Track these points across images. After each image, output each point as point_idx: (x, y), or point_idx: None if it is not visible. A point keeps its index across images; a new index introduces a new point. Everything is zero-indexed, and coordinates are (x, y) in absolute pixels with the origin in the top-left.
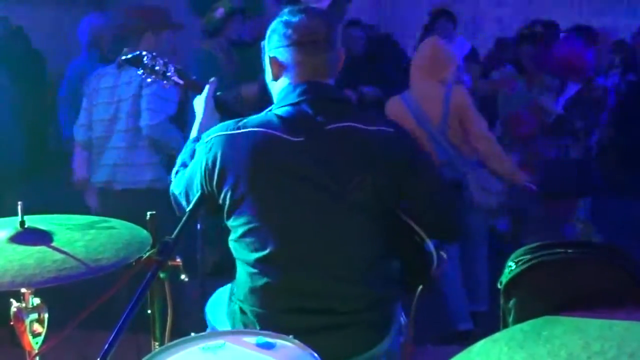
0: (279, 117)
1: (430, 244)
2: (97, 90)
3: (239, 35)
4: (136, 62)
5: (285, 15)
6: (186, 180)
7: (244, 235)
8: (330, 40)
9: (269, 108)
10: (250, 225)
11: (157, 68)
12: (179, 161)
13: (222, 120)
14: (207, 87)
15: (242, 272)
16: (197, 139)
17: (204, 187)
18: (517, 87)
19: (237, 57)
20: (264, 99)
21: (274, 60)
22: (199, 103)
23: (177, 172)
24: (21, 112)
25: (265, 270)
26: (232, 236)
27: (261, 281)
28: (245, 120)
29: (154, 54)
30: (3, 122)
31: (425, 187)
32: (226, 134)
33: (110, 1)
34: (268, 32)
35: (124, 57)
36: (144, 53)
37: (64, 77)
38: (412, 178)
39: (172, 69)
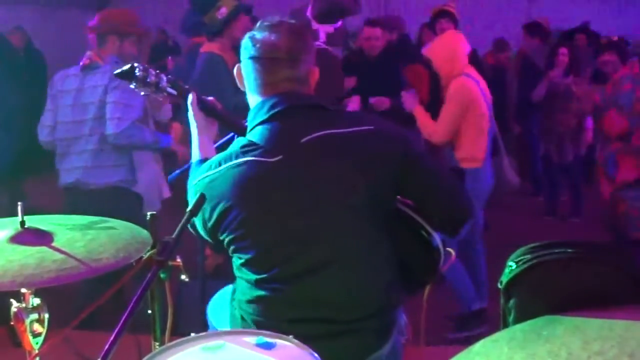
0: (254, 140)
1: (437, 239)
2: (61, 92)
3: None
4: (128, 76)
5: (255, 29)
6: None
7: (244, 264)
8: (293, 58)
9: (241, 133)
10: (249, 255)
11: (149, 80)
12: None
13: (219, 126)
14: (188, 104)
15: (242, 284)
16: (202, 160)
17: (207, 231)
18: None
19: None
20: None
21: (238, 71)
22: (191, 122)
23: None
24: (21, 112)
25: (266, 288)
26: (235, 264)
27: (262, 293)
28: (223, 155)
29: (145, 65)
30: (3, 122)
31: (424, 175)
32: (208, 175)
33: (110, 2)
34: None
35: (115, 72)
36: (136, 65)
37: None
38: (407, 169)
39: (165, 80)
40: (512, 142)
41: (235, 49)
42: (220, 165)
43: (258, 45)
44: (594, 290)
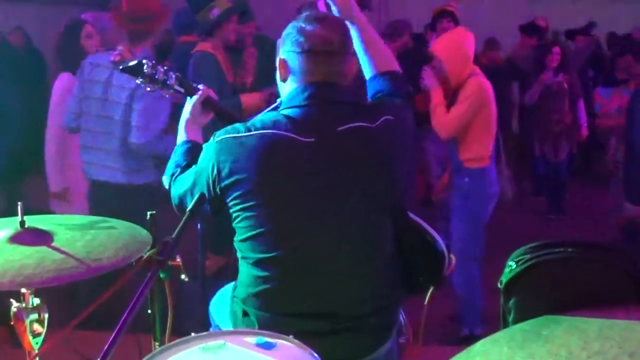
0: (288, 117)
1: (442, 244)
2: (90, 81)
3: (235, 38)
4: (135, 71)
5: (301, 21)
6: (192, 179)
7: (251, 237)
8: (344, 49)
9: (274, 106)
10: (260, 229)
11: (157, 77)
12: (171, 164)
13: (218, 125)
14: (199, 92)
15: (246, 273)
16: (186, 142)
17: (210, 187)
18: None
19: (233, 59)
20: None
21: (283, 63)
22: (187, 107)
23: (173, 175)
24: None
25: (269, 272)
26: (238, 237)
27: (264, 285)
28: (254, 123)
29: (153, 62)
30: (3, 122)
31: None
32: (236, 137)
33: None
34: (283, 34)
35: (122, 67)
36: (144, 61)
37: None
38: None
39: (173, 76)
40: (512, 142)
41: (227, 48)
42: (249, 130)
43: (310, 40)
44: (594, 290)
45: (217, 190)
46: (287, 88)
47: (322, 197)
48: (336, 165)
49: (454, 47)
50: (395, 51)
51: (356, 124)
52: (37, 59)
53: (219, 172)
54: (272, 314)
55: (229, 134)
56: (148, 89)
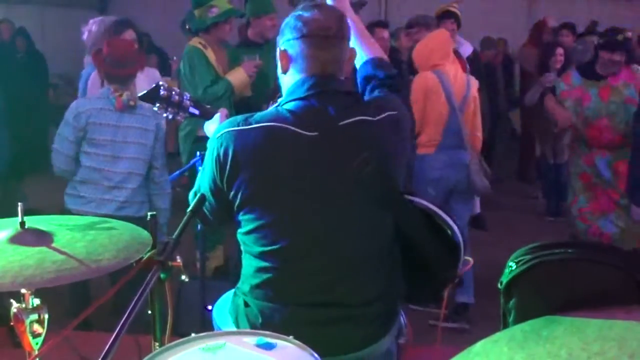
0: (290, 111)
1: (458, 234)
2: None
3: (228, 37)
4: (153, 96)
5: (299, 10)
6: (198, 180)
7: (254, 230)
8: (341, 36)
9: (278, 103)
10: (262, 221)
11: (172, 100)
12: (196, 184)
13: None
14: (218, 114)
15: (249, 265)
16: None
17: (217, 182)
18: None
19: (228, 57)
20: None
21: (283, 53)
22: (211, 127)
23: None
24: (22, 112)
25: (272, 263)
26: (242, 230)
27: (267, 275)
28: (255, 116)
29: (164, 84)
30: (3, 123)
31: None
32: (237, 129)
33: (111, 3)
34: (282, 26)
35: (139, 95)
36: (160, 84)
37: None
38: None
39: (187, 98)
40: (515, 143)
41: (222, 44)
42: (250, 124)
43: (309, 25)
44: (594, 290)
45: (221, 183)
46: (289, 80)
47: (324, 190)
48: (338, 159)
49: (423, 44)
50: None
51: (357, 118)
52: (38, 60)
53: (222, 164)
54: (273, 304)
55: (228, 127)
56: (165, 114)
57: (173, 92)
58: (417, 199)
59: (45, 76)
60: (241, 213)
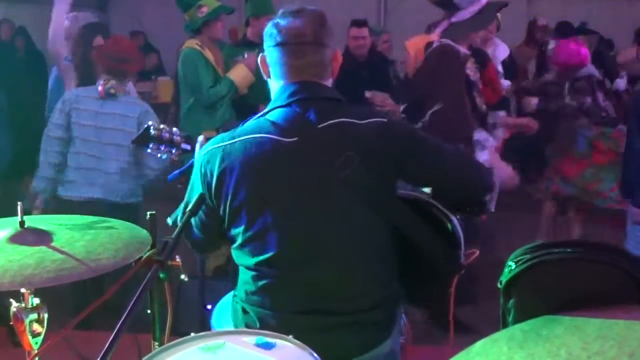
0: (271, 121)
1: (455, 223)
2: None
3: (223, 36)
4: (145, 138)
5: (278, 16)
6: (186, 197)
7: (244, 243)
8: (318, 42)
9: (261, 113)
10: (250, 232)
11: (163, 138)
12: (185, 201)
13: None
14: (197, 142)
15: (244, 275)
16: None
17: (205, 198)
18: None
19: (225, 57)
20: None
21: (263, 59)
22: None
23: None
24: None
25: (265, 272)
26: (234, 245)
27: (262, 282)
28: (239, 130)
29: (154, 124)
30: (3, 122)
31: (433, 157)
32: (222, 145)
33: (112, 3)
34: (264, 32)
35: (132, 140)
36: (150, 124)
37: None
38: (415, 156)
39: (177, 134)
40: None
41: (217, 44)
42: (234, 138)
43: (284, 32)
44: (594, 290)
45: (211, 200)
46: (273, 86)
47: (307, 195)
48: (318, 161)
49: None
50: None
51: (338, 120)
52: (38, 60)
53: (208, 181)
54: (270, 311)
55: (215, 144)
56: (158, 155)
57: (163, 131)
58: (412, 192)
59: (45, 76)
60: (232, 228)
